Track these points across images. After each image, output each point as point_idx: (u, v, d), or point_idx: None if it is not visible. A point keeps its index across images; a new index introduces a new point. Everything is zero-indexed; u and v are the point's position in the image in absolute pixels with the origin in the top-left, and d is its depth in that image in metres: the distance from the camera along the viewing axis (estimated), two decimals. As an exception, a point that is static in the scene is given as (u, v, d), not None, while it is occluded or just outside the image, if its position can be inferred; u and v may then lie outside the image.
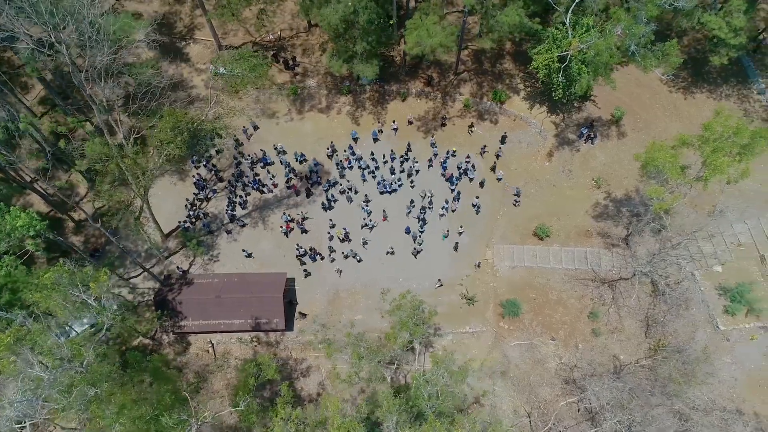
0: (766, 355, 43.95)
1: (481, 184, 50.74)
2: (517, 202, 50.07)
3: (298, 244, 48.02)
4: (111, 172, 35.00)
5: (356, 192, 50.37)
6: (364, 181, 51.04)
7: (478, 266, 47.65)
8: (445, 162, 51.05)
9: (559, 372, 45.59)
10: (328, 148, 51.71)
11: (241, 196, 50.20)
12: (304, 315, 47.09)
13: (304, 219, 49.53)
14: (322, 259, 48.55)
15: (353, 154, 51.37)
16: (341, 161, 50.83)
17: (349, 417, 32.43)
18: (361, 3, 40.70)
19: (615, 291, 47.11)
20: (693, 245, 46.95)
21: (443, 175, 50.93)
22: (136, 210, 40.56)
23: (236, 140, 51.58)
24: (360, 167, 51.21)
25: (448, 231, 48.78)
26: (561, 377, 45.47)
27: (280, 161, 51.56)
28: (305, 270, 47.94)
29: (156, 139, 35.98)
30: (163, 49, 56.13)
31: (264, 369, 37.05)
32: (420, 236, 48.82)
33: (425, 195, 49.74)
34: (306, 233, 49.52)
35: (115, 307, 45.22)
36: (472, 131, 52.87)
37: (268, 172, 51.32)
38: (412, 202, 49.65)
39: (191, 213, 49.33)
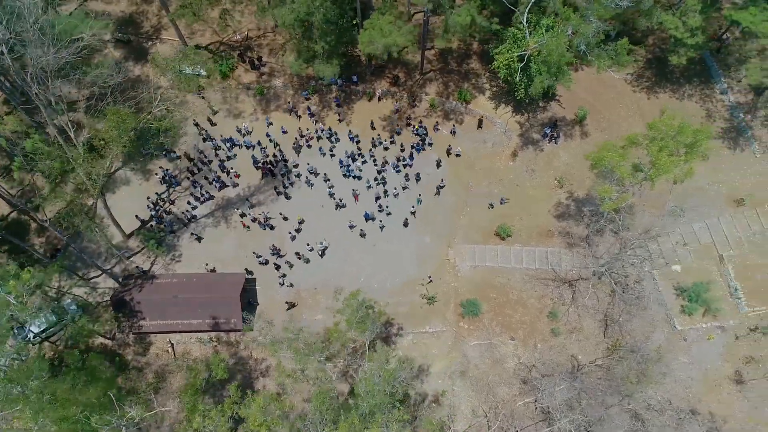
0: (722, 354, 44.03)
1: (438, 164, 51.03)
2: (502, 202, 50.32)
3: (255, 253, 47.92)
4: (56, 173, 34.89)
5: (316, 174, 50.47)
6: (323, 154, 51.34)
7: (429, 281, 47.64)
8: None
9: (518, 372, 45.64)
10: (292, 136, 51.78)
11: (206, 191, 50.08)
12: (293, 305, 47.18)
13: (267, 219, 49.52)
14: (282, 270, 48.35)
15: (312, 115, 51.90)
16: (298, 139, 51.24)
17: (286, 413, 32.66)
18: (315, 3, 40.66)
19: (575, 291, 47.16)
20: (652, 245, 46.98)
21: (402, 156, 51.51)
22: (85, 210, 40.48)
23: (196, 125, 51.52)
24: (318, 137, 51.78)
25: (420, 195, 49.96)
26: (519, 377, 45.53)
27: (244, 143, 51.69)
28: (282, 280, 48.03)
29: (99, 138, 35.92)
30: (130, 49, 56.20)
31: (214, 369, 37.02)
32: (378, 218, 49.18)
33: (383, 170, 50.63)
34: (273, 229, 49.44)
35: (74, 307, 45.45)
36: (436, 130, 52.89)
37: (230, 152, 51.55)
38: (375, 179, 50.13)
39: (153, 213, 49.34)
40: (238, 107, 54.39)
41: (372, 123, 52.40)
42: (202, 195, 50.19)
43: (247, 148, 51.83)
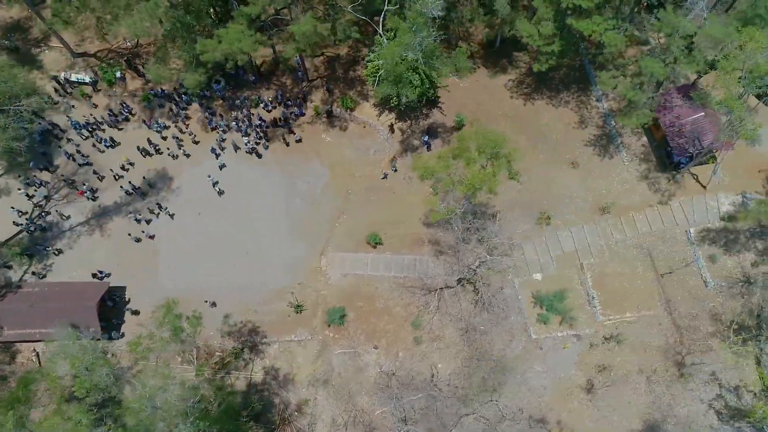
0: (576, 363, 44.10)
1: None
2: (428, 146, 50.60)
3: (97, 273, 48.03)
4: None
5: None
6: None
7: (299, 284, 48.00)
8: None
9: (378, 380, 45.70)
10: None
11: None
12: (214, 304, 47.50)
13: (151, 237, 49.40)
14: None
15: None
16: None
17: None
18: (158, 11, 40.58)
19: (440, 299, 47.15)
20: (518, 253, 46.96)
21: None
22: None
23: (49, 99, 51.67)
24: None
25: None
26: (380, 386, 45.54)
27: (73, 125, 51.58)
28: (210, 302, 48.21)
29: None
30: (18, 55, 56.03)
31: (44, 379, 37.11)
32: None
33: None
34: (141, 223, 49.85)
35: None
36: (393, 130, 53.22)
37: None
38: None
39: (27, 219, 49.23)
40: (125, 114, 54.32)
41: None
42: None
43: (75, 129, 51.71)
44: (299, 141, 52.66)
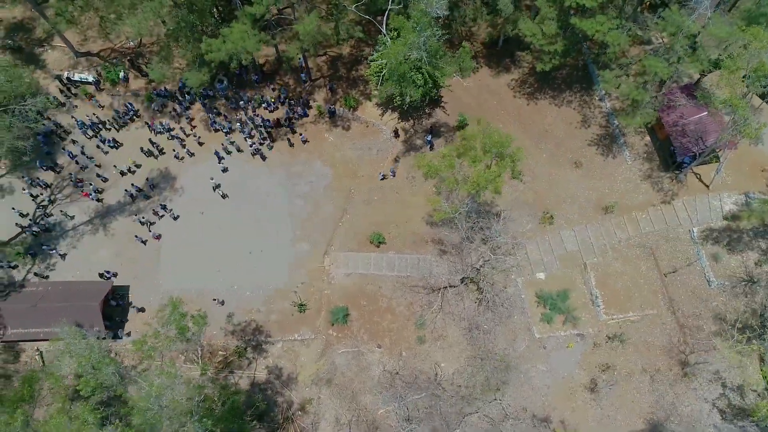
0: (579, 363, 44.10)
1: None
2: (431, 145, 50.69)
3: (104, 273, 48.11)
4: None
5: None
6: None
7: (302, 283, 48.05)
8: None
9: (382, 380, 45.69)
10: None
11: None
12: (222, 303, 47.55)
13: (157, 237, 49.47)
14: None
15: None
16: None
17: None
18: (164, 11, 40.64)
19: (444, 298, 47.17)
20: (521, 253, 46.98)
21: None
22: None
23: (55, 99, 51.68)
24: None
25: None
26: (383, 385, 45.55)
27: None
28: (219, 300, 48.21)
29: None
30: (21, 55, 56.09)
31: (49, 378, 37.19)
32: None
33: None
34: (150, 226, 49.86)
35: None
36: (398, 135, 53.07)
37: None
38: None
39: (31, 221, 49.31)
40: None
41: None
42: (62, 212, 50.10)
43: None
44: (305, 142, 52.61)
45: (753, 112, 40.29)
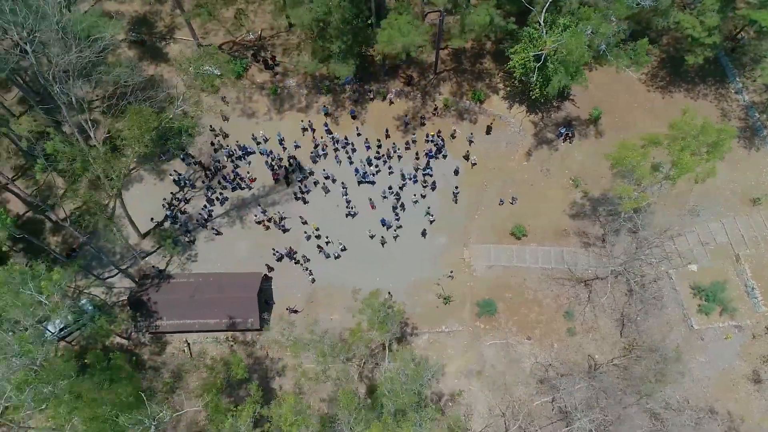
0: (739, 354, 44.03)
1: (456, 172, 50.80)
2: (513, 201, 50.36)
3: (274, 249, 47.96)
4: (77, 172, 34.96)
5: (333, 181, 50.25)
6: (339, 162, 50.98)
7: (451, 274, 47.66)
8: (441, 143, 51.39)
9: (534, 371, 45.64)
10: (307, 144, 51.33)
11: (221, 193, 50.18)
12: (295, 311, 47.11)
13: (281, 219, 49.55)
14: (305, 261, 48.44)
15: (329, 132, 51.31)
16: (316, 147, 50.91)
17: (309, 414, 32.65)
18: (334, 2, 40.71)
19: (591, 290, 47.15)
20: (669, 244, 46.97)
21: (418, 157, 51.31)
22: (103, 210, 40.50)
23: (212, 130, 51.41)
24: (335, 149, 51.14)
25: (416, 195, 49.54)
26: (536, 377, 45.52)
27: (260, 152, 51.54)
28: (268, 266, 48.09)
29: (122, 138, 35.99)
30: (144, 48, 56.19)
31: (234, 368, 37.08)
32: (395, 225, 48.95)
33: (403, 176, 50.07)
34: (287, 232, 49.48)
35: (90, 307, 45.42)
36: (454, 137, 52.58)
37: (246, 159, 51.37)
38: (390, 188, 49.71)
39: (168, 213, 49.36)
40: (252, 107, 54.43)
41: (387, 131, 52.15)
42: (218, 198, 50.23)
43: (262, 154, 51.75)
44: (454, 137, 52.39)
45: None
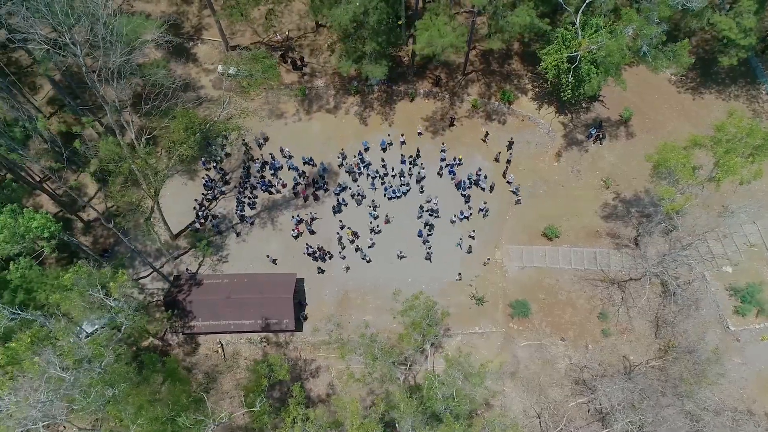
0: (776, 355, 43.98)
1: (491, 189, 50.64)
2: (518, 200, 50.05)
3: (308, 244, 48.03)
4: (123, 173, 34.92)
5: (364, 197, 50.20)
6: (374, 189, 50.62)
7: (487, 262, 47.67)
8: (452, 168, 50.78)
9: (569, 372, 45.58)
10: (339, 156, 51.28)
11: (249, 197, 50.20)
12: (305, 318, 47.07)
13: (312, 219, 49.48)
14: (331, 257, 48.49)
15: (362, 160, 51.05)
16: (352, 166, 50.63)
17: (367, 418, 32.48)
18: (371, 3, 40.67)
19: (624, 291, 47.10)
20: (703, 246, 46.91)
21: (453, 180, 50.77)
22: (147, 211, 40.45)
23: (245, 145, 51.41)
24: (369, 175, 50.80)
25: (461, 239, 48.61)
26: (571, 378, 45.46)
27: (288, 166, 51.44)
28: (319, 268, 47.92)
29: (168, 139, 35.92)
30: (171, 49, 56.11)
31: (275, 369, 37.02)
32: (429, 242, 48.66)
33: (429, 200, 49.53)
34: (314, 234, 49.43)
35: (130, 307, 45.32)
36: (486, 140, 52.38)
37: (277, 176, 51.25)
38: (421, 207, 49.51)
39: (200, 213, 49.27)
40: (281, 108, 54.37)
41: (420, 132, 52.09)
42: (250, 200, 50.18)
43: (290, 169, 51.55)
44: (486, 136, 52.16)
45: None
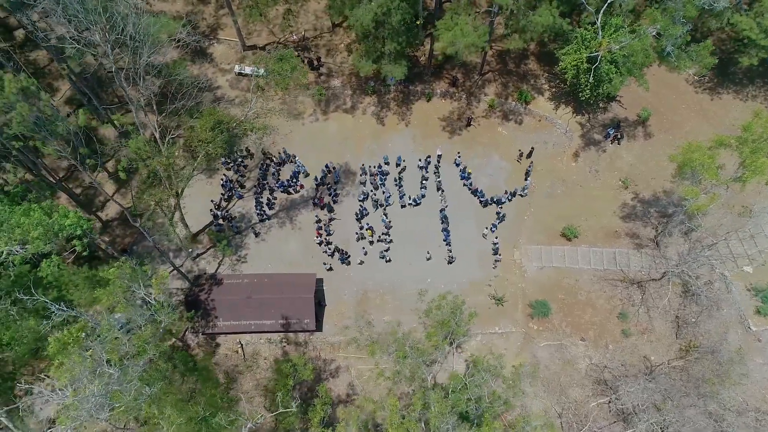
0: (798, 355, 43.96)
1: (510, 197, 50.53)
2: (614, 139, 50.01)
3: (326, 243, 48.00)
4: (152, 171, 34.89)
5: (381, 205, 50.09)
6: (387, 203, 50.33)
7: (495, 264, 48.05)
8: (464, 174, 50.71)
9: (590, 373, 45.54)
10: (360, 174, 51.24)
11: (268, 198, 50.14)
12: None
13: (331, 220, 49.41)
14: (348, 258, 48.36)
15: (382, 173, 50.86)
16: (373, 178, 50.65)
17: (406, 417, 32.50)
18: (393, 3, 40.66)
19: (644, 292, 47.07)
20: (723, 246, 46.88)
21: (469, 187, 50.78)
22: (169, 210, 40.37)
23: (265, 154, 51.26)
24: (383, 184, 50.66)
25: (486, 229, 48.98)
26: (592, 378, 45.42)
27: (303, 173, 51.54)
28: (328, 266, 48.07)
29: (195, 138, 35.89)
30: (188, 49, 56.06)
31: (299, 369, 36.96)
32: (448, 245, 48.66)
33: (446, 206, 49.65)
34: (330, 235, 49.29)
35: (170, 305, 45.12)
36: (520, 161, 51.81)
37: (296, 180, 51.24)
38: (441, 210, 49.51)
39: (218, 213, 49.19)
40: (297, 108, 54.32)
41: (440, 154, 51.56)
42: (268, 198, 50.17)
43: (306, 176, 51.53)
44: (521, 156, 51.88)
45: None
